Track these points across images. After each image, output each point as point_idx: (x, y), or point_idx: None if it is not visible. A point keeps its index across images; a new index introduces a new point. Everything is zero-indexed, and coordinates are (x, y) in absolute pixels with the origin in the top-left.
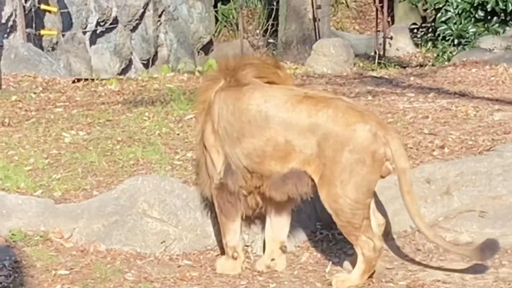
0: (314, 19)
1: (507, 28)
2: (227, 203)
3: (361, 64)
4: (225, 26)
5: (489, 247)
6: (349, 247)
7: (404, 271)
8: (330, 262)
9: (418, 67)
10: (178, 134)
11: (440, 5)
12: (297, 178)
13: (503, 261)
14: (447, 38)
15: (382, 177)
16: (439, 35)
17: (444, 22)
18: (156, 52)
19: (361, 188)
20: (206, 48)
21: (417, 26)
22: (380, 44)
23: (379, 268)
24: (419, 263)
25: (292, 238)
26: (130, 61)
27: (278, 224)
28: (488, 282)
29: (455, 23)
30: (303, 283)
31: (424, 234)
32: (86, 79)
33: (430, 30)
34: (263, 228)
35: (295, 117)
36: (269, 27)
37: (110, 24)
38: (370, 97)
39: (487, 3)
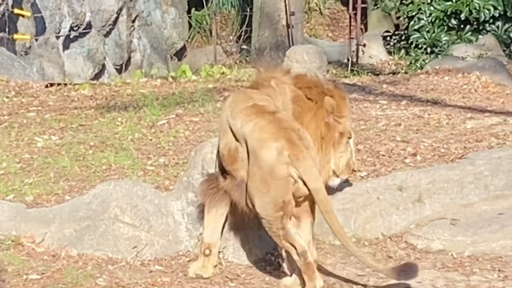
0: (288, 26)
1: (480, 36)
2: (210, 191)
3: (334, 71)
4: (198, 32)
5: (407, 271)
6: (319, 253)
7: (375, 278)
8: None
9: (391, 75)
10: (150, 140)
11: (413, 13)
12: (241, 187)
13: (474, 269)
14: (420, 46)
15: (298, 196)
16: (412, 43)
17: (417, 30)
18: (129, 58)
19: (267, 204)
20: (180, 54)
21: (390, 34)
22: (353, 51)
23: (350, 274)
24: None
25: (261, 247)
26: (103, 66)
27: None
28: None
29: (428, 31)
30: None
31: (349, 250)
32: (59, 84)
33: (403, 38)
34: (235, 234)
35: (234, 125)
36: (243, 34)
37: (84, 29)
38: None
39: (461, 11)
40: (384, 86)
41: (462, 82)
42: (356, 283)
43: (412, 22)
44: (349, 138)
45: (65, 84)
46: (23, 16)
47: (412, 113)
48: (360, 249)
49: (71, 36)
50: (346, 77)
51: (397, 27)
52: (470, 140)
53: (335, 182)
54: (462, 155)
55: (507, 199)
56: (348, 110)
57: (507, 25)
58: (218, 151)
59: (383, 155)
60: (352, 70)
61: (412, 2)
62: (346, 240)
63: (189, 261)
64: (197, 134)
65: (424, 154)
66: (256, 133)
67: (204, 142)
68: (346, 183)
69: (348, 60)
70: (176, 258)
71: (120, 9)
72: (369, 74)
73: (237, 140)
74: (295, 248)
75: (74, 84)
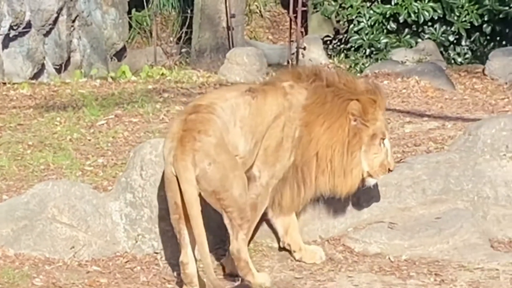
0: (228, 28)
1: (419, 40)
2: None
3: (274, 74)
4: (138, 32)
5: None
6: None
7: (312, 281)
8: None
9: None
10: (89, 140)
11: (353, 16)
12: None
13: (411, 273)
14: (359, 49)
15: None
16: (351, 46)
17: (357, 32)
18: (69, 57)
19: (169, 206)
20: (119, 55)
21: (330, 38)
22: (293, 54)
23: (287, 277)
24: (327, 273)
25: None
26: (43, 65)
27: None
28: None
29: (367, 34)
30: None
31: (202, 257)
32: None
33: (343, 41)
34: (172, 235)
35: None
36: (183, 35)
37: (23, 28)
38: None
39: (399, 14)
40: None
41: (401, 86)
42: (293, 286)
43: (351, 26)
44: (383, 139)
45: (4, 83)
46: None
47: None
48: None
49: (11, 35)
50: None
51: (337, 31)
52: (408, 144)
53: (370, 182)
54: (401, 159)
55: (445, 203)
56: (380, 112)
57: (444, 27)
58: None
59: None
60: None
61: (351, 6)
62: (203, 247)
63: (126, 262)
64: (136, 135)
65: None
66: (169, 130)
67: (143, 143)
68: None
69: (288, 63)
70: (113, 259)
71: (60, 9)
72: None
73: None
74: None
75: (13, 83)
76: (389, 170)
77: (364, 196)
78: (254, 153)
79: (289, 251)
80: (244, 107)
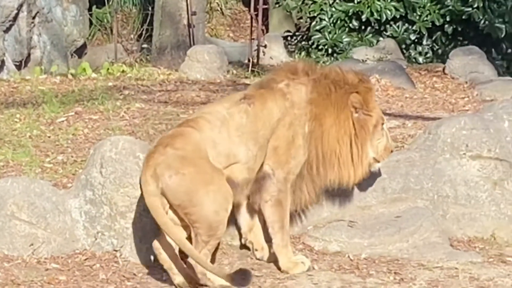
0: (189, 25)
1: (380, 38)
2: None
3: (234, 72)
4: (99, 29)
5: (241, 278)
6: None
7: (272, 279)
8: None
9: None
10: (49, 137)
11: (315, 14)
12: None
13: (371, 271)
14: (320, 48)
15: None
16: (313, 43)
17: (319, 31)
18: (29, 54)
19: None
20: (80, 51)
21: (291, 34)
22: (254, 51)
23: None
24: (287, 272)
25: None
26: (3, 62)
27: None
28: None
29: (329, 32)
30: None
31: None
32: None
33: (304, 38)
34: (132, 233)
35: None
36: (144, 32)
37: None
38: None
39: (362, 13)
40: None
41: None
42: (253, 284)
43: (313, 23)
44: (383, 123)
45: None
46: None
47: None
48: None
49: None
50: (246, 77)
51: (298, 27)
52: None
53: (376, 167)
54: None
55: (404, 202)
56: (375, 99)
57: (406, 26)
58: None
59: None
60: (253, 71)
61: (314, 2)
62: (186, 248)
63: (85, 259)
64: (96, 132)
65: None
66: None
67: (103, 140)
68: None
69: (249, 60)
70: (72, 256)
71: (21, 5)
72: None
73: None
74: None
75: None
76: (391, 151)
77: (325, 194)
78: (261, 157)
79: (250, 249)
80: (240, 116)
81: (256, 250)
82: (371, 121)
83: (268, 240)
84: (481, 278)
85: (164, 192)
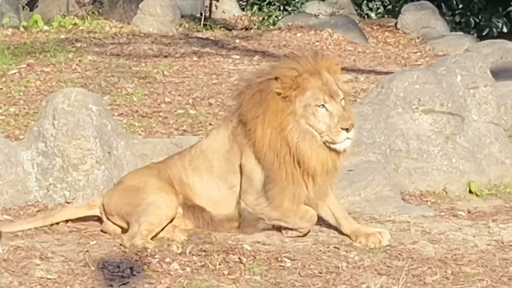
0: None
1: None
2: None
3: (187, 25)
4: None
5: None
6: None
7: (224, 233)
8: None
9: (243, 30)
10: (1, 89)
11: None
12: None
13: (322, 228)
14: (272, 3)
15: None
16: None
17: None
18: None
19: None
20: (32, 4)
21: None
22: (206, 6)
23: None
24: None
25: None
26: None
27: None
28: (307, 244)
29: None
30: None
31: None
32: None
33: None
34: (84, 185)
35: None
36: None
37: None
38: (195, 58)
39: None
40: (237, 41)
41: (315, 39)
42: (204, 237)
43: None
44: (320, 105)
45: None
46: None
47: None
48: None
49: None
50: (199, 31)
51: None
52: None
53: (337, 147)
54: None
55: (357, 156)
56: (312, 79)
57: None
58: None
59: None
60: (205, 25)
61: None
62: None
63: (38, 211)
64: (49, 84)
65: None
66: None
67: (56, 92)
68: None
69: (201, 14)
70: (25, 208)
71: None
72: (222, 29)
73: None
74: None
75: None
76: (344, 129)
77: None
78: None
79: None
80: None
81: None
82: (295, 106)
83: None
84: (432, 232)
85: None
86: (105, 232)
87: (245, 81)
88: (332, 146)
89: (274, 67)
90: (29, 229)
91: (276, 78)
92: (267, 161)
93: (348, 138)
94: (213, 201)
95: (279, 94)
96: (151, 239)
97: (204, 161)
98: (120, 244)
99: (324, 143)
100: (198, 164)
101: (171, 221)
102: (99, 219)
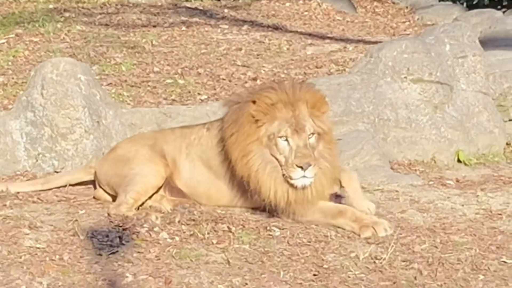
0: None
1: None
2: None
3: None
4: None
5: None
6: None
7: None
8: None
9: (232, 0)
10: None
11: None
12: None
13: None
14: None
15: None
16: None
17: None
18: None
19: None
20: None
21: None
22: None
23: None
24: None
25: None
26: None
27: None
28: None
29: None
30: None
31: None
32: None
33: None
34: (73, 154)
35: None
36: None
37: None
38: (184, 28)
39: None
40: (226, 11)
41: (303, 8)
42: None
43: None
44: (280, 137)
45: None
46: None
47: (253, 38)
48: None
49: None
50: (187, 1)
51: None
52: (310, 66)
53: (295, 183)
54: (302, 80)
55: (346, 125)
56: (285, 110)
57: None
58: None
59: (224, 79)
60: None
61: None
62: None
63: (27, 180)
64: (37, 54)
65: (264, 79)
66: None
67: (44, 62)
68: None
69: None
70: (14, 177)
71: None
72: None
73: None
74: None
75: None
76: (299, 167)
77: None
78: None
79: None
80: None
81: None
82: (261, 132)
83: None
84: (421, 201)
85: None
86: (97, 199)
87: (237, 95)
88: (290, 181)
89: (260, 89)
90: (22, 195)
91: (254, 102)
92: (238, 178)
93: (305, 176)
94: (198, 193)
95: (253, 116)
96: (138, 207)
97: (200, 153)
98: (107, 213)
99: (283, 175)
100: (193, 152)
101: (157, 191)
102: (90, 186)
